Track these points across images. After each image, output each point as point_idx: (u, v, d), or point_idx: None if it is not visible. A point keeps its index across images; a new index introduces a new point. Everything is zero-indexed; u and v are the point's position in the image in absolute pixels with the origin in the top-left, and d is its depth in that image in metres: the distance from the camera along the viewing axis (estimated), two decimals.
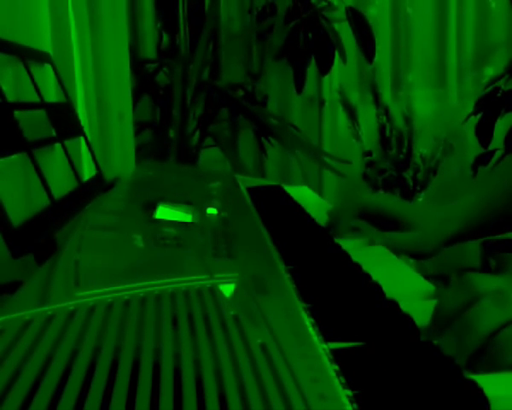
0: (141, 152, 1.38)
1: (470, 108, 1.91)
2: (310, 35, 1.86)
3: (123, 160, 1.06)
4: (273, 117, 1.79)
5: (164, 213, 0.54)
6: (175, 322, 0.31)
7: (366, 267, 0.47)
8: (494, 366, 0.30)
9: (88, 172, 0.79)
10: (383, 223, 0.64)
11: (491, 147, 1.87)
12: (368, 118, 2.01)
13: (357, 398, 0.25)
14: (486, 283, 0.34)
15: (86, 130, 0.76)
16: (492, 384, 0.28)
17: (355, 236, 0.61)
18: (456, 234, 0.63)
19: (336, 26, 1.87)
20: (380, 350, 0.32)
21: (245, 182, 0.92)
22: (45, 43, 0.74)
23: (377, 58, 1.89)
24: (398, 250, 0.58)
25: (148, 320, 0.31)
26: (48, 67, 0.71)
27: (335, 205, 0.70)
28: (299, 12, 1.86)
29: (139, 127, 1.64)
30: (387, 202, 0.65)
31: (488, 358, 0.30)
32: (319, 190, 2.02)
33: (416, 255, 0.63)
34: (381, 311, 0.38)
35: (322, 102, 2.06)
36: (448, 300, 0.35)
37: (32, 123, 0.59)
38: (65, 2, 0.81)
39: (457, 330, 0.32)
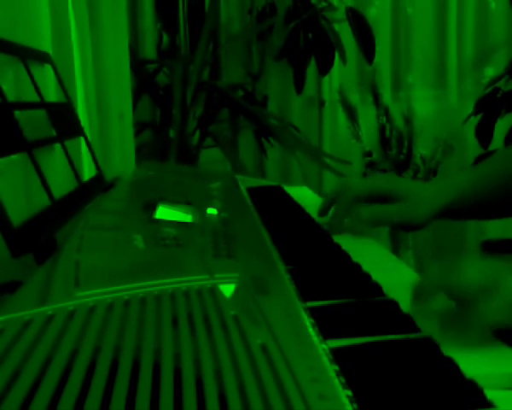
0: (141, 152, 1.38)
1: (470, 108, 1.91)
2: (310, 35, 1.86)
3: (123, 160, 1.06)
4: (273, 117, 1.79)
5: (164, 213, 0.54)
6: (175, 322, 0.31)
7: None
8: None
9: (88, 172, 0.79)
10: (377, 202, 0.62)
11: (491, 147, 1.87)
12: (368, 118, 2.01)
13: (356, 397, 0.25)
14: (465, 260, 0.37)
15: (86, 130, 0.76)
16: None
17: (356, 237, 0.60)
18: (449, 206, 0.61)
19: (336, 27, 1.87)
20: (380, 350, 0.32)
21: (245, 182, 0.92)
22: (45, 44, 0.74)
23: (377, 58, 1.89)
24: (385, 222, 0.57)
25: (148, 320, 0.31)
26: (48, 67, 0.71)
27: (326, 197, 0.68)
28: (299, 12, 1.86)
29: (139, 127, 1.64)
30: (377, 183, 0.63)
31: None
32: (319, 190, 2.01)
33: (406, 227, 0.61)
34: (381, 311, 0.38)
35: (322, 103, 2.06)
36: (430, 273, 0.38)
37: (32, 123, 0.59)
38: (65, 3, 0.81)
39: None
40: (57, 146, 0.65)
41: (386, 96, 2.04)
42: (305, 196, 0.88)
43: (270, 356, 0.28)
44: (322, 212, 0.67)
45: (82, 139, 0.74)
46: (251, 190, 0.87)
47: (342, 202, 0.62)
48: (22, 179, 0.58)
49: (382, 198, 0.61)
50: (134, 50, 1.68)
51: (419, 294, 0.38)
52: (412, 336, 0.35)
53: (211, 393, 0.24)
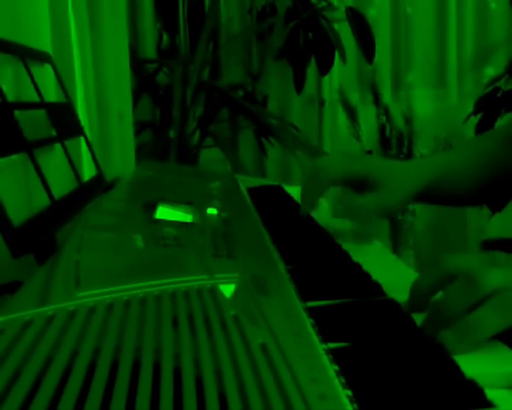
0: (141, 152, 1.38)
1: (470, 108, 1.91)
2: (310, 35, 1.86)
3: (123, 160, 1.06)
4: (273, 117, 1.79)
5: (164, 213, 0.54)
6: (175, 322, 0.31)
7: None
8: (463, 342, 0.33)
9: (88, 172, 0.79)
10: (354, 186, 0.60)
11: None
12: (368, 118, 2.01)
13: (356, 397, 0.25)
14: (459, 262, 0.37)
15: (86, 130, 0.76)
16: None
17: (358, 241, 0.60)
18: (423, 191, 0.60)
19: (336, 26, 1.87)
20: (381, 350, 0.32)
21: (245, 182, 0.92)
22: (45, 43, 0.74)
23: (377, 58, 1.89)
24: (362, 214, 0.56)
25: (148, 320, 0.31)
26: (48, 67, 0.71)
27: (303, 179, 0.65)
28: (299, 12, 1.86)
29: (139, 127, 1.64)
30: (352, 167, 0.59)
31: (459, 335, 0.33)
32: None
33: (384, 214, 0.59)
34: (382, 310, 0.38)
35: (322, 102, 2.06)
36: (423, 279, 0.39)
37: (32, 123, 0.59)
38: (65, 2, 0.81)
39: (432, 311, 0.36)
40: (57, 146, 0.65)
41: (386, 96, 2.04)
42: None
43: (270, 356, 0.28)
44: (304, 207, 0.63)
45: (82, 139, 0.74)
46: (251, 190, 0.87)
47: (315, 187, 0.60)
48: (22, 179, 0.58)
49: (357, 182, 0.59)
50: (134, 50, 1.68)
51: (416, 296, 0.39)
52: (411, 334, 0.35)
53: (211, 393, 0.24)
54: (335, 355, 0.30)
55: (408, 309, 0.39)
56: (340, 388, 0.26)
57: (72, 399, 0.23)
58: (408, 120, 1.98)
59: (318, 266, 0.50)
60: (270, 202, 0.83)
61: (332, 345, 0.31)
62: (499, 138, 0.67)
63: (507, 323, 0.33)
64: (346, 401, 0.25)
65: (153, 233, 0.48)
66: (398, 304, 0.39)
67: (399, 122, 1.99)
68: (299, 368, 0.27)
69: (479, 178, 0.64)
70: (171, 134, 1.46)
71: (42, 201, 0.52)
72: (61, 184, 0.61)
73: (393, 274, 0.49)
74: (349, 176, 0.59)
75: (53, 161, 0.65)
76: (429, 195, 0.61)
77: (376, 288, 0.43)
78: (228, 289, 0.36)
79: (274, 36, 1.80)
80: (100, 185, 0.71)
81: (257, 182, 0.99)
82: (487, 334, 0.33)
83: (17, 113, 0.53)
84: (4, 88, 0.53)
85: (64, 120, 0.69)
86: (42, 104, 0.64)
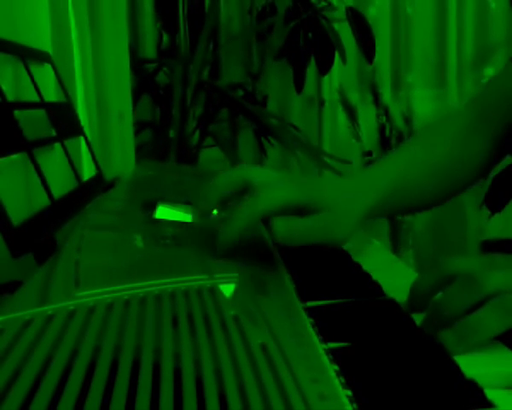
0: (141, 152, 1.38)
1: None
2: (310, 35, 1.86)
3: (123, 159, 1.06)
4: (273, 117, 1.79)
5: (164, 212, 0.54)
6: (175, 322, 0.31)
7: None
8: (463, 343, 0.33)
9: (88, 171, 0.79)
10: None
11: None
12: (368, 118, 2.01)
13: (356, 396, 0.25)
14: (459, 264, 0.37)
15: (86, 129, 0.76)
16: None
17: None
18: (375, 206, 0.50)
19: (336, 26, 1.87)
20: (379, 351, 0.32)
21: None
22: (45, 43, 0.74)
23: (377, 58, 1.89)
24: (305, 241, 0.45)
25: (148, 320, 0.31)
26: (48, 67, 0.71)
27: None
28: (298, 12, 1.86)
29: (139, 127, 1.64)
30: (290, 195, 0.45)
31: (459, 336, 0.33)
32: None
33: (328, 243, 0.47)
34: (381, 310, 0.38)
35: (321, 102, 2.06)
36: (423, 279, 0.39)
37: (32, 123, 0.59)
38: (65, 2, 0.81)
39: (431, 311, 0.36)
40: (57, 146, 0.65)
41: (386, 96, 2.04)
42: None
43: (270, 356, 0.28)
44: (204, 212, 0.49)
45: (82, 139, 0.74)
46: None
47: (243, 218, 0.44)
48: (22, 179, 0.58)
49: (297, 211, 0.46)
50: (134, 50, 1.68)
51: (415, 296, 0.39)
52: (411, 336, 0.35)
53: (211, 393, 0.24)
54: (335, 355, 0.30)
55: (408, 309, 0.39)
56: (339, 388, 0.26)
57: (72, 398, 0.23)
58: (408, 120, 1.98)
59: (318, 265, 0.50)
60: None
61: (332, 345, 0.31)
62: (460, 127, 0.61)
63: (507, 325, 0.33)
64: (345, 401, 0.25)
65: (152, 233, 0.48)
66: (397, 304, 0.39)
67: (399, 122, 1.99)
68: (299, 368, 0.27)
69: (435, 187, 0.59)
70: (171, 134, 1.46)
71: (41, 200, 0.52)
72: (61, 184, 0.61)
73: (393, 274, 0.49)
74: (287, 206, 0.45)
75: (53, 160, 0.65)
76: (383, 209, 0.53)
77: (376, 288, 0.43)
78: (228, 289, 0.36)
79: (274, 36, 1.80)
80: (100, 185, 0.71)
81: None
82: (487, 335, 0.33)
83: (17, 112, 0.53)
84: (4, 88, 0.53)
85: (64, 120, 0.69)
86: (42, 104, 0.64)
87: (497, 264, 0.36)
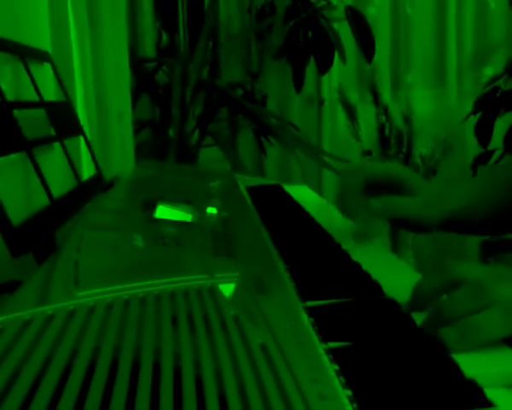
0: (140, 151, 1.38)
1: (469, 107, 1.91)
2: (309, 34, 1.86)
3: (122, 159, 1.06)
4: (272, 116, 1.79)
5: (163, 212, 0.54)
6: (175, 322, 0.31)
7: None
8: (464, 342, 0.33)
9: (87, 171, 0.79)
10: (389, 192, 0.59)
11: (490, 146, 1.87)
12: (367, 117, 2.01)
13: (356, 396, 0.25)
14: (465, 270, 0.37)
15: (86, 129, 0.76)
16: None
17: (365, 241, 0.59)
18: (452, 213, 0.59)
19: (335, 26, 1.87)
20: (379, 350, 0.32)
21: (244, 181, 0.92)
22: (45, 42, 0.74)
23: (377, 58, 1.89)
24: (399, 215, 0.55)
25: (147, 320, 0.31)
26: (47, 66, 0.71)
27: (341, 174, 0.64)
28: (298, 11, 1.86)
29: (138, 126, 1.64)
30: (392, 167, 0.61)
31: (461, 334, 0.33)
32: (318, 189, 2.01)
33: (414, 227, 0.58)
34: (381, 310, 0.38)
35: (321, 102, 2.06)
36: (427, 281, 0.39)
37: (32, 122, 0.59)
38: (64, 2, 0.81)
39: (434, 311, 0.36)
40: (56, 145, 0.65)
41: (386, 95, 2.04)
42: (305, 195, 0.88)
43: (270, 356, 0.28)
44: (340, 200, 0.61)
45: (81, 138, 0.74)
46: (250, 189, 0.87)
47: (354, 181, 0.58)
48: (21, 178, 0.58)
49: (392, 187, 0.58)
50: (133, 49, 1.67)
51: (418, 298, 0.39)
52: (410, 334, 0.35)
53: (211, 393, 0.24)
54: (335, 355, 0.30)
55: (408, 309, 0.39)
56: (339, 387, 0.26)
57: (72, 398, 0.23)
58: (407, 120, 1.98)
59: (318, 265, 0.50)
60: (270, 201, 0.83)
61: (332, 345, 0.31)
62: None
63: (510, 331, 0.33)
64: (345, 400, 0.25)
65: (152, 233, 0.48)
66: (397, 304, 0.39)
67: (399, 122, 1.99)
68: (299, 368, 0.27)
69: (495, 206, 0.63)
70: (171, 133, 1.46)
71: (41, 200, 0.52)
72: (61, 184, 0.61)
73: (393, 274, 0.49)
74: (388, 174, 0.58)
75: (52, 160, 0.65)
76: (458, 219, 0.60)
77: (376, 287, 0.43)
78: (227, 289, 0.36)
79: (273, 35, 1.80)
80: (99, 185, 0.71)
81: (256, 181, 0.99)
82: (489, 337, 0.33)
83: (16, 112, 0.53)
84: (4, 87, 0.53)
85: (63, 120, 0.69)
86: (41, 103, 0.64)
87: (501, 275, 0.37)
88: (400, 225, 0.58)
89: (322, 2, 1.91)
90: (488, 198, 0.62)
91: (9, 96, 0.54)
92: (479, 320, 0.34)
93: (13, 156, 0.52)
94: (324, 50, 1.85)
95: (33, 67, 0.64)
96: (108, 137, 0.99)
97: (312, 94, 2.06)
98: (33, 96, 0.63)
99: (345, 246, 0.55)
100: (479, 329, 0.33)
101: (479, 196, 0.61)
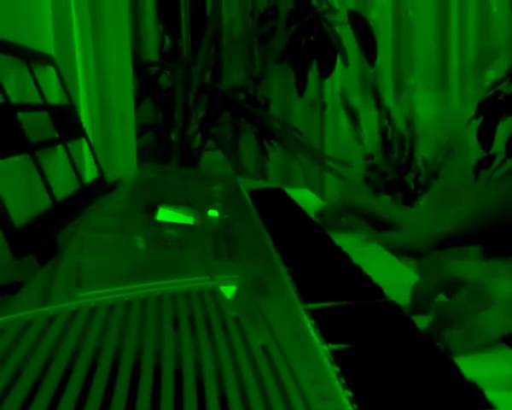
0: (143, 154, 1.38)
1: (472, 111, 1.91)
2: (311, 38, 1.87)
3: (125, 162, 1.06)
4: (275, 120, 1.79)
5: (165, 215, 0.54)
6: (176, 323, 0.31)
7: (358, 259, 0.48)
8: (468, 344, 0.33)
9: (90, 173, 0.79)
10: (373, 223, 0.66)
11: (492, 150, 1.87)
12: (369, 121, 2.01)
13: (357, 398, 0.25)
14: (461, 269, 0.38)
15: (88, 132, 0.77)
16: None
17: (348, 232, 0.64)
18: (447, 235, 0.63)
19: (338, 30, 1.87)
20: (380, 353, 0.32)
21: (246, 184, 0.92)
22: (48, 46, 0.75)
23: (379, 61, 1.89)
24: (392, 249, 0.59)
25: (149, 321, 0.31)
26: (51, 70, 0.72)
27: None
28: (300, 15, 1.86)
29: (141, 130, 1.65)
30: (377, 205, 0.67)
31: (464, 336, 0.33)
32: (321, 192, 2.02)
33: (411, 253, 0.64)
34: (382, 313, 0.38)
35: (323, 106, 2.06)
36: (424, 282, 0.39)
37: (35, 125, 0.59)
38: (67, 5, 0.82)
39: (438, 317, 0.36)
40: (59, 148, 0.65)
41: (388, 99, 2.04)
42: (307, 199, 0.88)
43: (271, 358, 0.28)
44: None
45: (84, 141, 0.75)
46: (252, 193, 0.88)
47: (337, 206, 0.68)
48: (24, 181, 0.58)
49: (377, 219, 0.65)
50: (136, 53, 1.68)
51: (417, 298, 0.39)
52: (412, 339, 0.35)
53: (211, 394, 0.24)
54: (336, 357, 0.30)
55: (410, 312, 0.39)
56: (340, 389, 0.26)
57: (73, 399, 0.23)
58: (410, 124, 1.98)
59: (319, 268, 0.50)
60: (272, 204, 0.83)
61: (333, 347, 0.31)
62: None
63: (510, 328, 0.33)
64: (346, 401, 0.25)
65: (154, 235, 0.48)
66: (398, 306, 0.39)
67: (401, 125, 1.99)
68: (299, 369, 0.27)
69: (505, 220, 0.65)
70: (173, 137, 1.46)
71: (44, 202, 0.52)
72: (63, 186, 0.61)
73: (394, 276, 0.49)
74: (373, 210, 0.66)
75: (55, 162, 0.65)
76: (453, 238, 0.64)
77: (377, 290, 0.43)
78: (229, 291, 0.36)
79: (276, 39, 1.80)
80: (101, 187, 0.72)
81: (258, 185, 0.99)
82: (492, 337, 0.33)
83: (20, 114, 0.53)
84: (8, 90, 0.53)
85: (66, 122, 0.70)
86: (44, 106, 0.64)
87: (497, 270, 0.37)
88: (395, 253, 0.61)
89: (325, 6, 1.91)
90: (481, 214, 0.65)
91: (13, 99, 0.55)
92: (479, 321, 0.33)
93: (16, 159, 0.52)
94: (327, 54, 1.85)
95: (37, 71, 0.64)
96: (111, 141, 1.00)
97: (315, 98, 2.06)
98: (37, 99, 0.63)
99: (346, 249, 0.55)
100: (480, 330, 0.33)
101: (470, 215, 0.64)
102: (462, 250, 0.65)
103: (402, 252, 0.62)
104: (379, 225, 0.65)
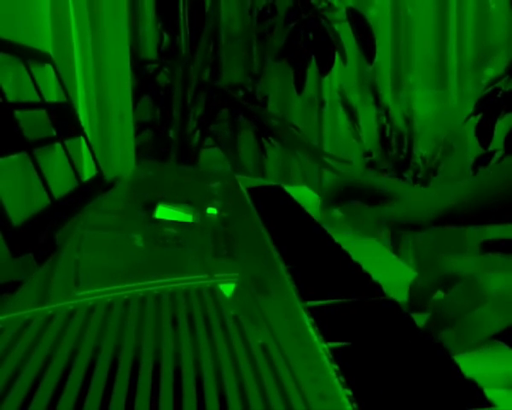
0: (141, 152, 1.38)
1: (470, 108, 1.91)
2: (310, 36, 1.86)
3: (123, 160, 1.06)
4: (273, 117, 1.79)
5: (164, 212, 0.54)
6: (175, 322, 0.31)
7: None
8: (464, 342, 0.33)
9: (88, 171, 0.79)
10: (372, 201, 0.65)
11: (491, 147, 1.87)
12: (368, 118, 2.01)
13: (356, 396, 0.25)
14: (457, 264, 0.37)
15: (86, 130, 0.76)
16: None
17: (348, 230, 0.64)
18: (448, 210, 0.62)
19: (336, 27, 1.87)
20: (379, 351, 0.32)
21: (245, 182, 0.92)
22: (46, 44, 0.74)
23: (377, 59, 1.89)
24: (386, 222, 0.59)
25: (147, 320, 0.31)
26: (48, 68, 0.71)
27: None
28: (299, 12, 1.86)
29: (139, 127, 1.64)
30: (375, 178, 0.66)
31: (459, 334, 0.33)
32: (319, 189, 2.01)
33: (408, 226, 0.63)
34: (382, 310, 0.38)
35: (322, 103, 2.06)
36: (421, 278, 0.39)
37: (33, 123, 0.59)
38: (66, 3, 0.81)
39: (434, 313, 0.36)
40: (57, 146, 0.65)
41: (387, 97, 2.04)
42: (306, 196, 0.88)
43: (270, 356, 0.28)
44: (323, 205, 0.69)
45: (82, 139, 0.74)
46: (251, 190, 0.87)
47: (333, 186, 0.67)
48: (22, 179, 0.58)
49: (378, 197, 0.64)
50: (134, 50, 1.67)
51: (415, 295, 0.39)
52: (410, 335, 0.35)
53: (211, 393, 0.24)
54: (335, 355, 0.30)
55: (408, 309, 0.39)
56: (339, 387, 0.26)
57: (72, 398, 0.23)
58: (408, 121, 1.98)
59: (318, 265, 0.50)
60: (270, 202, 0.83)
61: (332, 345, 0.31)
62: None
63: (507, 322, 0.33)
64: (345, 400, 0.25)
65: (153, 233, 0.48)
66: (398, 304, 0.39)
67: (400, 123, 1.99)
68: (299, 368, 0.27)
69: (506, 198, 0.64)
70: (172, 134, 1.46)
71: (42, 200, 0.52)
72: (61, 184, 0.61)
73: (393, 274, 0.49)
74: (371, 184, 0.64)
75: (53, 160, 0.65)
76: (454, 216, 0.62)
77: (376, 288, 0.43)
78: (228, 289, 0.36)
79: (274, 36, 1.80)
80: (100, 185, 0.71)
81: (257, 182, 0.99)
82: (487, 333, 0.33)
83: (17, 113, 0.53)
84: (5, 88, 0.53)
85: (64, 120, 0.70)
86: (42, 104, 0.64)
87: (494, 264, 0.36)
88: (394, 227, 0.61)
89: (323, 4, 1.91)
90: (483, 191, 0.64)
91: (11, 97, 0.54)
92: (473, 318, 0.33)
93: (14, 157, 0.52)
94: (325, 52, 1.85)
95: (35, 69, 0.64)
96: (109, 138, 0.99)
97: (313, 95, 2.06)
98: (35, 98, 0.63)
99: (345, 246, 0.55)
100: (474, 327, 0.33)
101: (472, 191, 0.63)
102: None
103: (399, 225, 0.61)
104: (374, 201, 0.64)
